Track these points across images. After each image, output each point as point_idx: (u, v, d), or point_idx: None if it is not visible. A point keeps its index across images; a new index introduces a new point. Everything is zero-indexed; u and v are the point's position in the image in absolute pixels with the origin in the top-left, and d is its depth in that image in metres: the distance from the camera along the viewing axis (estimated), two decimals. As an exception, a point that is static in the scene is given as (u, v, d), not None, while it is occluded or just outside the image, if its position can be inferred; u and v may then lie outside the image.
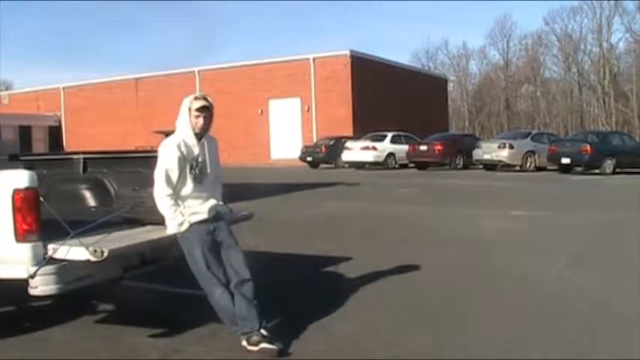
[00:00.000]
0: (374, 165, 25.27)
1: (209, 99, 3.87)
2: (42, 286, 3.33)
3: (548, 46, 59.11)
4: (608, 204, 11.95)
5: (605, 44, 54.71)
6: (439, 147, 23.97)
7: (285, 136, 33.27)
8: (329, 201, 12.58)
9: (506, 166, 22.50)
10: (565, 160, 20.53)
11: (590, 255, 6.70)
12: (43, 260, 3.34)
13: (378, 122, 28.67)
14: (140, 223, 4.11)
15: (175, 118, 3.87)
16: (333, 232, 8.50)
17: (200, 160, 3.84)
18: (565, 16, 56.99)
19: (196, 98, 3.84)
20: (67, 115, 35.77)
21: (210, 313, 3.77)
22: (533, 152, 22.19)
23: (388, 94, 33.50)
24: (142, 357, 3.62)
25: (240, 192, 8.69)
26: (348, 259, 6.19)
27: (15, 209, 3.33)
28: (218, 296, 3.66)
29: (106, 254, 3.32)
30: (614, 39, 56.42)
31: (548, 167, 21.88)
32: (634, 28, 53.03)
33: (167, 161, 3.74)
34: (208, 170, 3.88)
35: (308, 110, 33.29)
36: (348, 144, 25.96)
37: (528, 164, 22.18)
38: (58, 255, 3.37)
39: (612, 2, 53.27)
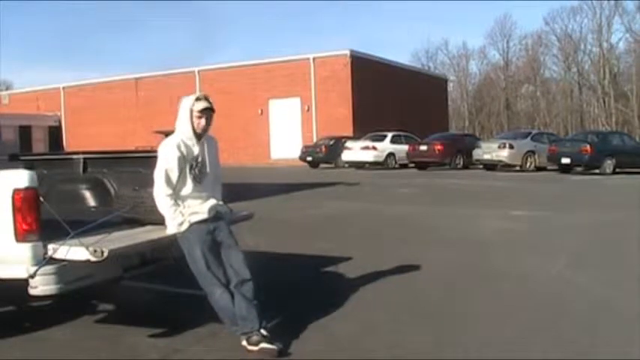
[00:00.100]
0: (374, 165, 25.27)
1: (210, 100, 3.87)
2: (42, 286, 3.33)
3: (548, 46, 59.24)
4: (608, 204, 11.94)
5: (605, 44, 54.82)
6: (439, 147, 23.97)
7: (285, 136, 33.27)
8: (329, 201, 12.57)
9: (506, 166, 22.49)
10: (565, 160, 20.52)
11: (590, 255, 6.70)
12: (43, 260, 3.34)
13: (378, 122, 28.67)
14: (140, 223, 4.11)
15: (175, 118, 3.87)
16: (333, 232, 8.50)
17: (200, 160, 3.83)
18: (565, 16, 57.14)
19: (198, 99, 3.83)
20: (67, 115, 35.76)
21: (210, 313, 3.77)
22: (533, 152, 22.18)
23: (388, 94, 33.50)
24: (142, 357, 3.62)
25: (240, 192, 8.69)
26: (348, 259, 6.20)
27: (15, 209, 3.33)
28: (218, 296, 3.66)
29: (106, 254, 3.32)
30: (614, 39, 56.59)
31: (548, 167, 21.87)
32: (634, 28, 53.15)
33: (167, 161, 3.74)
34: (208, 170, 3.88)
35: (308, 110, 33.30)
36: (348, 144, 25.96)
37: (528, 164, 22.17)
38: (58, 255, 3.37)
39: (612, 2, 53.39)
